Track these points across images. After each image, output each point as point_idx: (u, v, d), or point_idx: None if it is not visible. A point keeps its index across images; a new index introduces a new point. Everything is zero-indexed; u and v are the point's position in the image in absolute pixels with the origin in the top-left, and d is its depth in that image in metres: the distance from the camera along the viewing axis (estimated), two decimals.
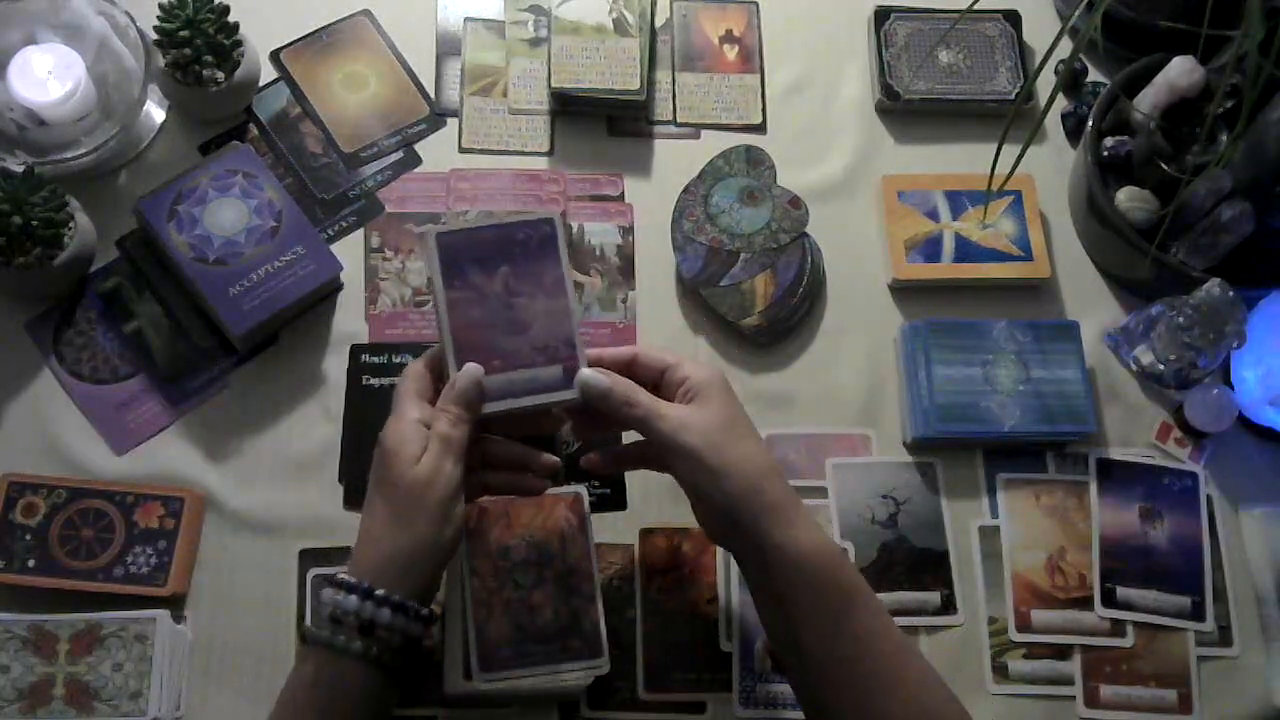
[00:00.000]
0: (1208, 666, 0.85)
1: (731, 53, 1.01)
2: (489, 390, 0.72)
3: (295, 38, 0.98)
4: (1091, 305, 0.95)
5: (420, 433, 0.68)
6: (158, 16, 0.87)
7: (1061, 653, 0.84)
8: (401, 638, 0.65)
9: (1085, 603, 0.85)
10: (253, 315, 0.84)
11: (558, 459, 0.74)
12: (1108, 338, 0.93)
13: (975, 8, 0.93)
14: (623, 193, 0.96)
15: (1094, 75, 1.02)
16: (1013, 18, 1.02)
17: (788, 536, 0.67)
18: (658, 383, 0.72)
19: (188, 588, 0.81)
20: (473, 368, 0.70)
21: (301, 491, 0.85)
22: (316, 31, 0.98)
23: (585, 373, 0.71)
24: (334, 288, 0.90)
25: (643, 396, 0.70)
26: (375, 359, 0.88)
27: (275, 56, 0.97)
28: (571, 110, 0.97)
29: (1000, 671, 0.84)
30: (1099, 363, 0.92)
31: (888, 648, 0.66)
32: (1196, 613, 0.85)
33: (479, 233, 0.74)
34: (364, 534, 0.67)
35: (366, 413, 0.86)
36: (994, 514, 0.88)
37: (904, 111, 1.00)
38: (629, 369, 0.73)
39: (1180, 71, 0.91)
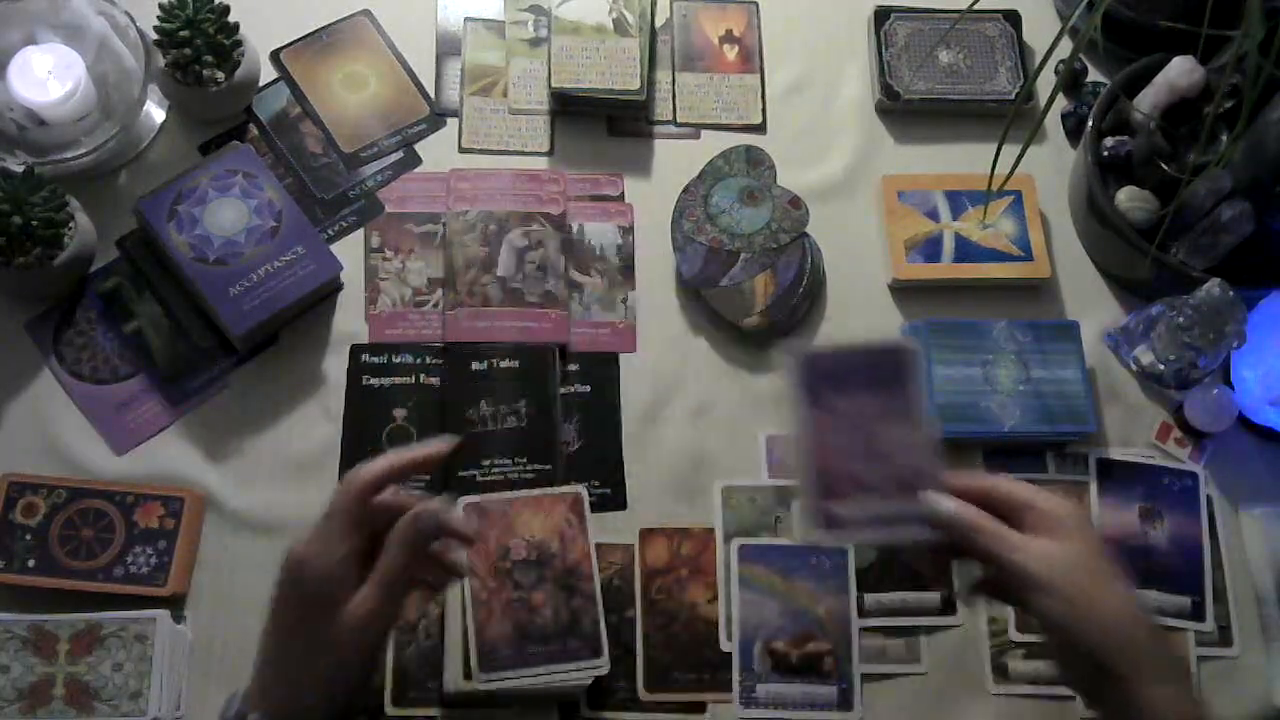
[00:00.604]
0: (1208, 666, 0.85)
1: (731, 53, 1.01)
2: (840, 518, 0.69)
3: (295, 38, 0.98)
4: (1091, 305, 0.95)
5: (355, 563, 0.62)
6: (158, 16, 0.87)
7: None
8: None
9: None
10: (253, 315, 0.84)
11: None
12: (1108, 338, 0.93)
13: (975, 8, 0.93)
14: (623, 193, 0.96)
15: (1094, 75, 1.02)
16: (1013, 18, 1.02)
17: (1163, 697, 0.61)
18: (1008, 514, 0.68)
19: (188, 588, 0.82)
20: (436, 502, 0.64)
21: (301, 491, 0.85)
22: (316, 31, 0.98)
23: (933, 496, 0.68)
24: (334, 288, 0.90)
25: (995, 525, 0.66)
26: (375, 359, 0.88)
27: (275, 56, 0.97)
28: (571, 110, 0.97)
29: (1000, 671, 0.84)
30: (1099, 363, 0.92)
31: None
32: (1196, 613, 0.85)
33: (842, 355, 0.73)
34: (278, 665, 0.62)
35: (366, 413, 0.87)
36: None
37: (904, 111, 1.00)
38: (981, 498, 0.69)
39: (1180, 71, 0.90)
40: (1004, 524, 0.66)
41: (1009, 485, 0.68)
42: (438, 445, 0.66)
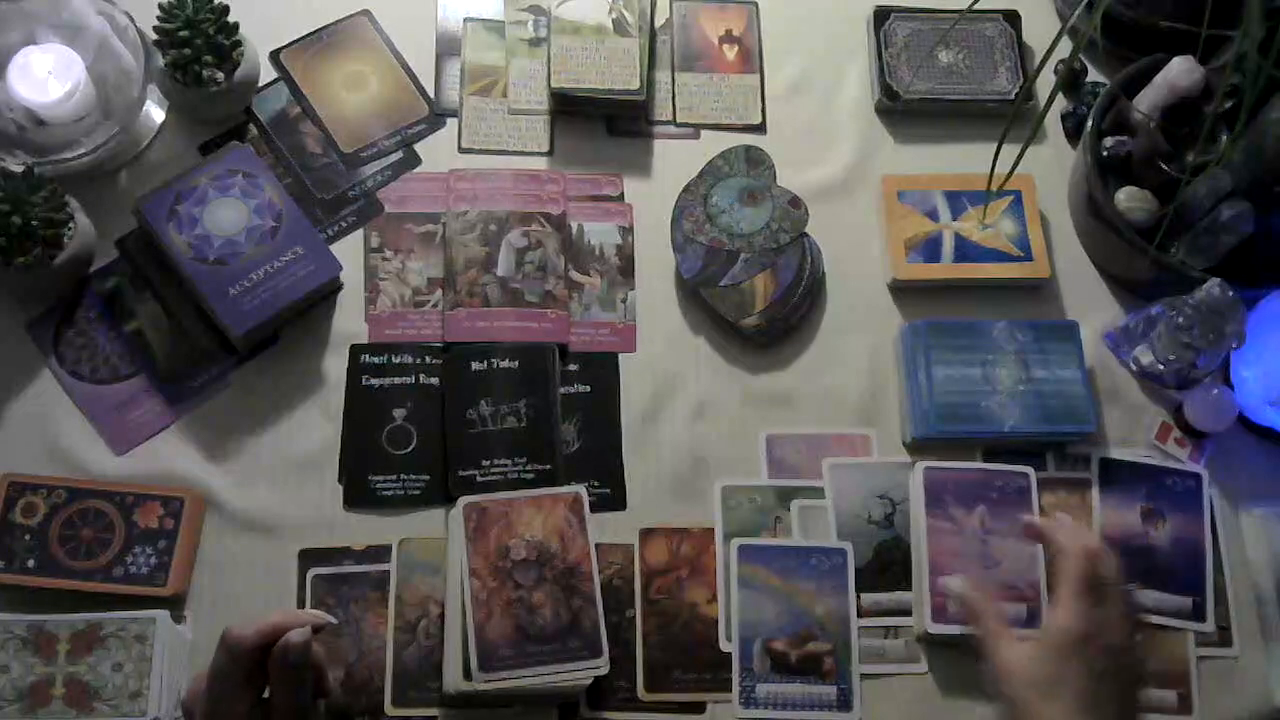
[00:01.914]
0: (1208, 667, 0.85)
1: (731, 53, 1.01)
2: (954, 616, 0.80)
3: (295, 38, 0.98)
4: (1091, 305, 0.95)
5: (259, 707, 0.63)
6: (157, 16, 0.87)
7: None
8: None
9: None
10: (253, 315, 0.84)
11: None
12: (1107, 338, 0.93)
13: (975, 8, 0.93)
14: (622, 193, 0.96)
15: (1094, 75, 1.02)
16: (1012, 18, 1.02)
17: None
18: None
19: (188, 588, 0.82)
20: (296, 634, 0.63)
21: (301, 491, 0.85)
22: (316, 31, 0.98)
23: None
24: (334, 288, 0.90)
25: (989, 624, 0.74)
26: (375, 359, 0.88)
27: (275, 56, 0.97)
28: (571, 110, 0.97)
29: None
30: (1099, 363, 0.92)
31: None
32: (1197, 613, 0.85)
33: (963, 472, 0.85)
34: None
35: (366, 413, 0.87)
36: None
37: (904, 111, 1.00)
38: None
39: (1180, 71, 0.90)
40: (1004, 624, 0.74)
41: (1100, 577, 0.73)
42: (317, 616, 0.66)
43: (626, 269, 0.93)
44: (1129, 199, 0.90)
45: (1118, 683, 0.70)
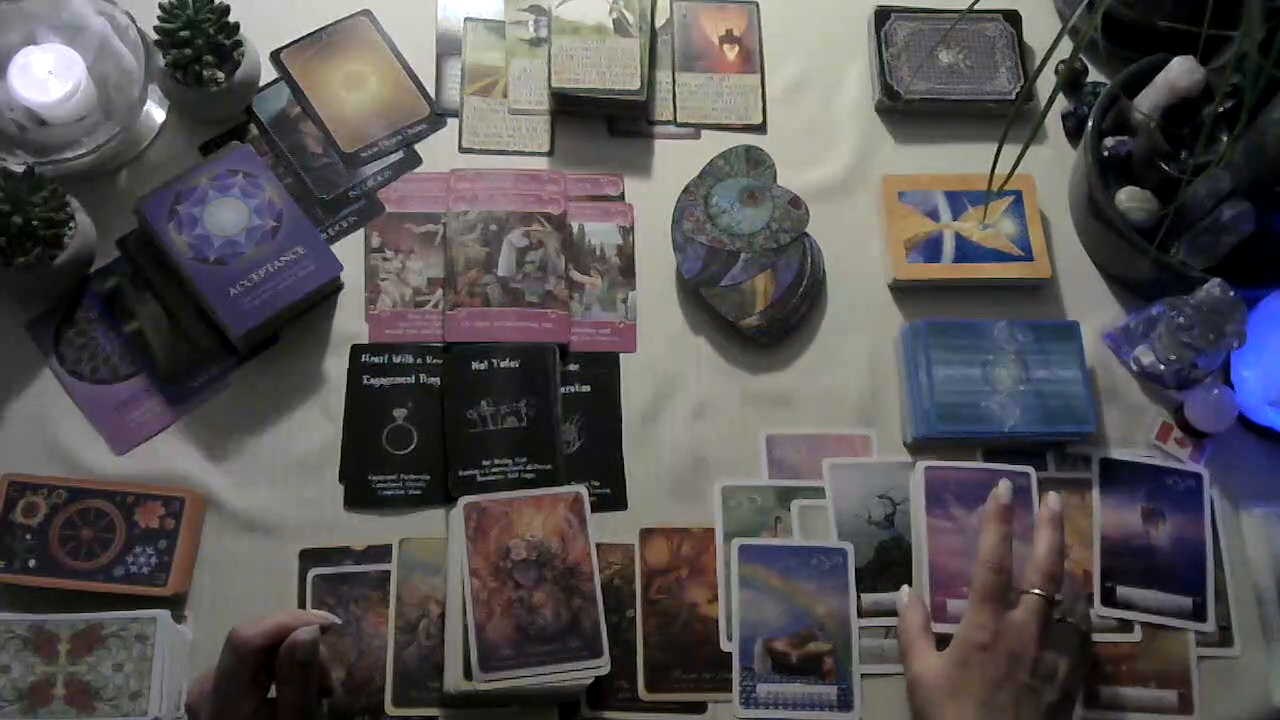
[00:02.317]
0: (1208, 667, 0.85)
1: (731, 53, 1.02)
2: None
3: (295, 38, 0.98)
4: (1091, 305, 0.95)
5: (265, 708, 0.65)
6: (158, 16, 0.87)
7: None
8: None
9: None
10: (253, 315, 0.84)
11: None
12: (1107, 338, 0.93)
13: (975, 8, 0.93)
14: (623, 193, 0.96)
15: (1094, 75, 1.02)
16: (1013, 18, 1.02)
17: None
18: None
19: (188, 588, 0.82)
20: (304, 632, 0.64)
21: (301, 491, 0.85)
22: (316, 31, 0.98)
23: (903, 589, 0.82)
24: (334, 288, 0.90)
25: (911, 636, 0.78)
26: (375, 359, 0.88)
27: (275, 56, 0.97)
28: (571, 110, 0.97)
29: None
30: (1099, 363, 0.92)
31: None
32: (1198, 613, 0.85)
33: (963, 472, 0.86)
34: None
35: (366, 413, 0.87)
36: None
37: (904, 111, 1.00)
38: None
39: (1180, 71, 0.90)
40: (921, 634, 0.78)
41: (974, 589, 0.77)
42: (323, 616, 0.67)
43: (627, 269, 0.93)
44: (1129, 199, 0.90)
45: (1018, 692, 0.73)
